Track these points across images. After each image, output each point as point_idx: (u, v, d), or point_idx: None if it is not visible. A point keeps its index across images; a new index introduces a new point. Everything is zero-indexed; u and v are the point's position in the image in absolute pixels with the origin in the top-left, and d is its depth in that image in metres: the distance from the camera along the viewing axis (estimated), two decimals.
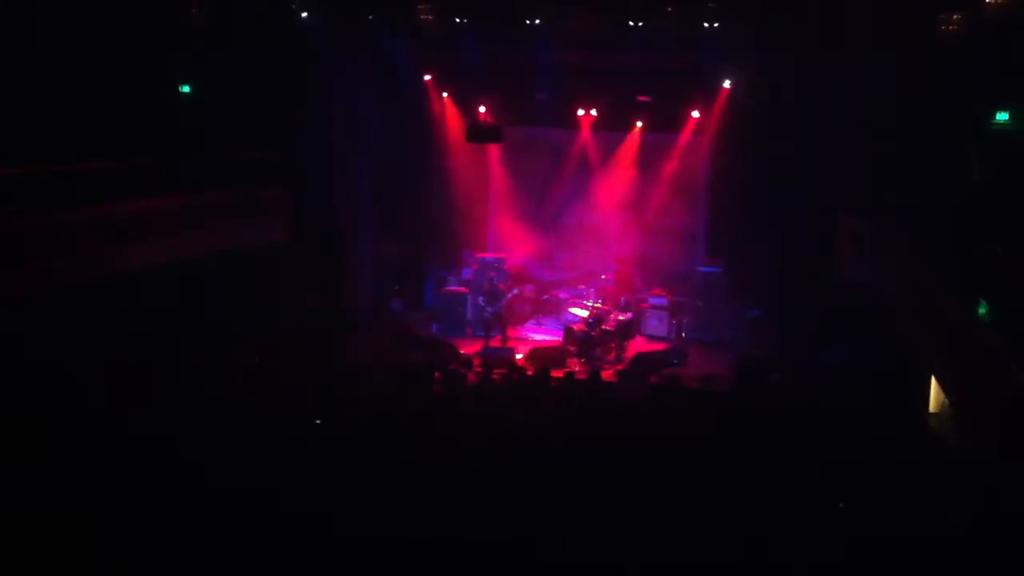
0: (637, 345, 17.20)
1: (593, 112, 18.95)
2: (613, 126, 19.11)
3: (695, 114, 18.33)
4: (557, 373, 13.65)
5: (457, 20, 16.27)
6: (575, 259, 19.87)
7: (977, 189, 12.55)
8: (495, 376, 13.55)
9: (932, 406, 13.52)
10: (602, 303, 17.51)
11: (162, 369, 11.89)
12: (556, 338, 17.40)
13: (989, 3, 12.41)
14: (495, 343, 16.77)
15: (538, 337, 17.89)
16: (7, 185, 11.74)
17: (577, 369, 15.15)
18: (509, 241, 19.64)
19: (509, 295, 17.38)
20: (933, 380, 13.25)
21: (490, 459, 10.02)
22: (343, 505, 8.63)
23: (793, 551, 8.29)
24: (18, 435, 9.40)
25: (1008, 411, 9.45)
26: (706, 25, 15.58)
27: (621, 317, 17.07)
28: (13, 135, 12.36)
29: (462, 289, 18.42)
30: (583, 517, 8.57)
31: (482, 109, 18.66)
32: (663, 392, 13.43)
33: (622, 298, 17.85)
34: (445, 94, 18.80)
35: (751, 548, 8.28)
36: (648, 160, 19.19)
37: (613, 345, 16.55)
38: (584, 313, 17.09)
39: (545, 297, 19.05)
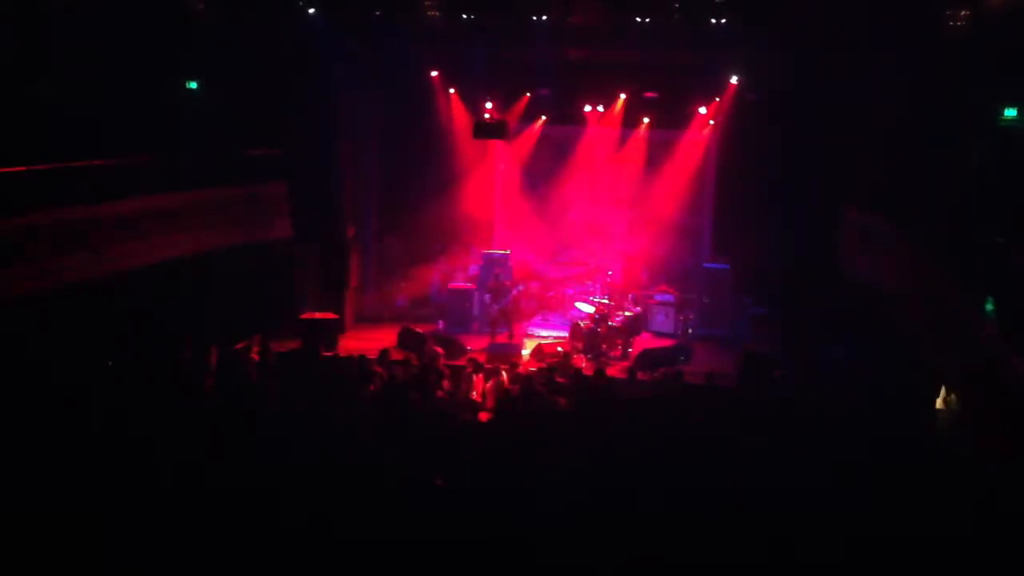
0: (643, 341, 17.13)
1: (599, 108, 18.90)
2: (619, 122, 19.04)
3: (702, 110, 18.29)
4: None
5: (464, 16, 16.22)
6: (581, 255, 19.81)
7: (983, 184, 12.46)
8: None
9: (939, 402, 13.43)
10: (608, 299, 17.46)
11: (164, 367, 11.88)
12: (562, 334, 17.37)
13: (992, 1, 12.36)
14: (501, 339, 16.75)
15: (544, 333, 17.87)
16: (7, 185, 11.75)
17: (583, 365, 15.12)
18: (515, 237, 19.61)
19: (515, 291, 17.36)
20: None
21: (490, 459, 10.01)
22: (341, 506, 8.62)
23: (795, 550, 8.23)
24: (18, 435, 9.42)
25: (1012, 409, 9.37)
26: (713, 21, 15.50)
27: (627, 313, 17.02)
28: (13, 135, 12.38)
29: (468, 285, 18.39)
30: (586, 518, 8.54)
31: (488, 105, 18.61)
32: (668, 389, 13.36)
33: (629, 294, 17.80)
34: (452, 90, 18.77)
35: (752, 547, 8.22)
36: (654, 156, 19.15)
37: (619, 341, 16.51)
38: (590, 309, 17.03)
39: (551, 293, 19.05)
